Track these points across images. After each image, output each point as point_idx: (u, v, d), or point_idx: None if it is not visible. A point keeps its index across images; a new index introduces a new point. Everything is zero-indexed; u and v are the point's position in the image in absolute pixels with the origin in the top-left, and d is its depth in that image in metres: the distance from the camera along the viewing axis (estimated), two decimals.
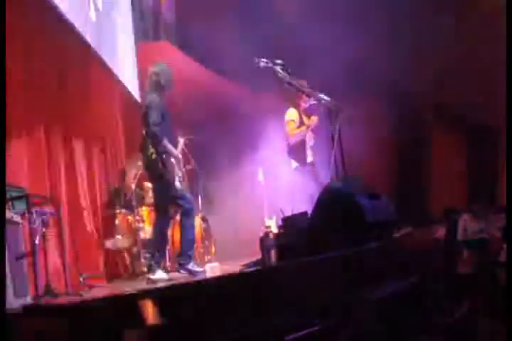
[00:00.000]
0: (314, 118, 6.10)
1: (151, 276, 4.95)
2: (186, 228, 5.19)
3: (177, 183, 5.07)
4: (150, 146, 5.03)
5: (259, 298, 3.30)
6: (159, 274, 4.95)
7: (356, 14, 8.50)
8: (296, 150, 6.20)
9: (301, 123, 6.24)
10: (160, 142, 5.00)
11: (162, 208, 5.25)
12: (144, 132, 5.12)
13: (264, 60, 5.45)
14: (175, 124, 6.24)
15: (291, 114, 6.27)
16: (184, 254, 5.14)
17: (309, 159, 6.23)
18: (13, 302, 3.26)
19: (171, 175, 5.03)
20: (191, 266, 5.08)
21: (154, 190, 5.39)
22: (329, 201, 4.66)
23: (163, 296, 3.06)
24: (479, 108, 11.15)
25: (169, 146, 5.09)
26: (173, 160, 5.09)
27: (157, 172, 5.05)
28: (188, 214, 5.18)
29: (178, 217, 6.53)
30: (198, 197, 6.51)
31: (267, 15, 8.98)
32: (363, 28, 8.33)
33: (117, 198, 6.39)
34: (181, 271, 5.12)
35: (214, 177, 7.01)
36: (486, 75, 8.92)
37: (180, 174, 5.17)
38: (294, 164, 6.20)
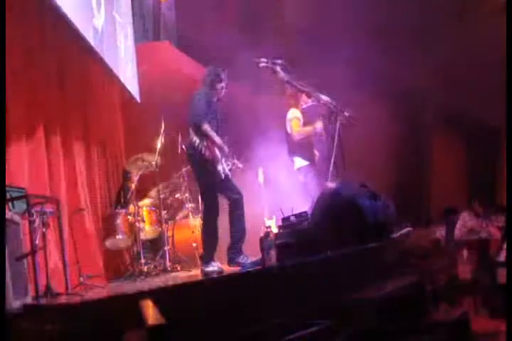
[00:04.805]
0: (320, 123, 6.02)
1: (206, 269, 4.88)
2: (235, 220, 5.06)
3: (222, 172, 4.99)
4: (192, 133, 4.98)
5: (259, 297, 3.30)
6: (213, 266, 4.88)
7: (357, 13, 8.51)
8: (302, 148, 6.15)
9: (305, 123, 6.20)
10: (200, 128, 4.95)
11: (208, 197, 5.14)
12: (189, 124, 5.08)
13: (264, 59, 5.45)
14: (175, 123, 6.27)
15: (294, 112, 6.25)
16: (234, 247, 5.02)
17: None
18: (13, 302, 3.26)
19: (214, 161, 4.98)
20: (241, 259, 4.96)
21: (198, 178, 5.25)
22: (329, 201, 4.67)
23: (163, 296, 3.06)
24: (479, 108, 11.16)
25: (211, 134, 5.02)
26: (216, 150, 5.02)
27: (197, 158, 5.00)
28: (235, 205, 5.05)
29: (178, 217, 6.56)
30: (198, 197, 6.51)
31: (267, 16, 8.99)
32: (362, 28, 8.34)
33: (118, 198, 6.38)
34: (231, 265, 5.03)
35: None
36: (486, 75, 8.93)
37: (226, 165, 5.07)
38: (297, 164, 6.17)
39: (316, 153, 6.14)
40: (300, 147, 6.14)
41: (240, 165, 5.47)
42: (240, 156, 5.59)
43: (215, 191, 5.05)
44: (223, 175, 4.99)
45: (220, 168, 4.98)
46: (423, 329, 3.66)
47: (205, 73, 5.37)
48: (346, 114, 5.41)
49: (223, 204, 5.21)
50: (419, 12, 8.83)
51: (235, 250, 5.00)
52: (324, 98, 5.50)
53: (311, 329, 3.11)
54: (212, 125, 5.07)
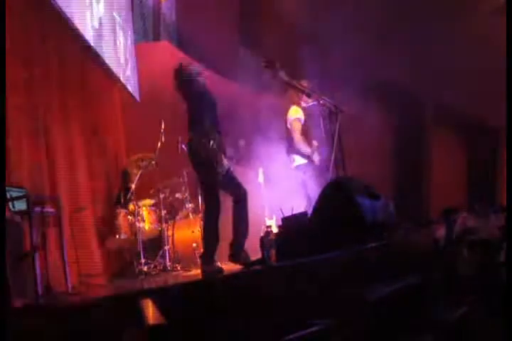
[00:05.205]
0: (317, 156, 6.07)
1: (206, 268, 4.88)
2: (238, 216, 5.02)
3: (224, 170, 4.97)
4: (191, 132, 4.98)
5: (259, 297, 3.30)
6: (213, 266, 4.87)
7: (356, 13, 8.51)
8: (302, 148, 6.15)
9: (305, 124, 6.19)
10: (199, 126, 4.94)
11: (211, 198, 5.13)
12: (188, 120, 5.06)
13: (265, 59, 5.45)
14: (175, 123, 6.27)
15: (295, 110, 6.23)
16: (236, 243, 4.96)
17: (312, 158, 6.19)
18: (13, 302, 3.26)
19: (214, 159, 4.94)
20: (242, 256, 4.87)
21: (200, 177, 5.24)
22: (329, 201, 4.67)
23: (162, 296, 3.06)
24: (479, 108, 11.16)
25: (210, 131, 4.97)
26: (217, 147, 4.99)
27: (198, 156, 4.97)
28: (240, 201, 5.00)
29: (178, 217, 6.55)
30: (198, 197, 6.52)
31: (267, 15, 9.00)
32: (361, 27, 8.34)
33: (118, 198, 6.39)
34: (234, 262, 5.01)
35: None
36: (486, 75, 8.93)
37: (226, 163, 5.04)
38: (296, 162, 6.17)
39: (315, 146, 6.13)
40: (298, 146, 6.14)
41: (242, 143, 5.37)
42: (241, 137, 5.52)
43: (217, 190, 5.04)
44: (225, 173, 4.98)
45: (221, 165, 4.96)
46: (423, 329, 3.66)
47: (180, 74, 5.30)
48: (346, 114, 5.42)
49: (224, 202, 5.20)
50: (419, 11, 8.83)
51: (237, 246, 4.98)
52: (324, 98, 5.51)
53: (311, 329, 3.11)
54: (210, 123, 5.05)
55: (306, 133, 6.18)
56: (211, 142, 4.93)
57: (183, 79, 5.13)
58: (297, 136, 6.10)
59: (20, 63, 4.82)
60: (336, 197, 4.68)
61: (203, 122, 4.94)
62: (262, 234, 4.71)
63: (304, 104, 6.21)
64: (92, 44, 5.66)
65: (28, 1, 5.03)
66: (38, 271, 3.89)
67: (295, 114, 6.18)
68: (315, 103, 5.94)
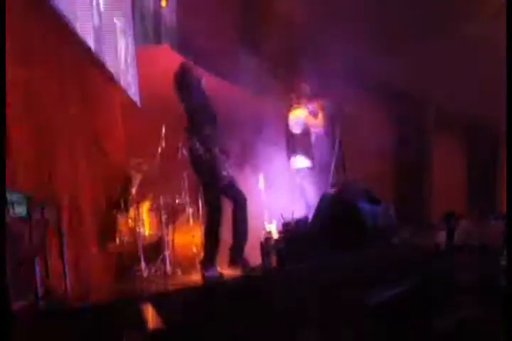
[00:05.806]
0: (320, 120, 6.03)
1: (206, 273, 4.88)
2: (238, 221, 5.03)
3: (226, 176, 4.97)
4: (193, 139, 4.98)
5: (260, 302, 3.30)
6: (213, 271, 4.87)
7: (357, 14, 8.53)
8: (303, 149, 6.14)
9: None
10: (200, 132, 4.95)
11: (212, 202, 5.17)
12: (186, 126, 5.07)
13: (264, 62, 5.46)
14: (176, 127, 6.28)
15: (298, 113, 6.23)
16: (236, 249, 4.98)
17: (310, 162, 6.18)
18: (14, 303, 3.26)
19: (217, 165, 4.94)
20: (242, 261, 4.88)
21: (203, 184, 5.26)
22: (330, 205, 4.67)
23: (162, 301, 3.06)
24: (479, 108, 11.16)
25: (212, 137, 4.97)
26: (219, 154, 5.00)
27: (200, 163, 4.99)
28: (240, 207, 5.04)
29: (178, 221, 6.54)
30: (198, 202, 6.51)
31: (267, 16, 9.02)
32: (363, 28, 8.36)
33: (118, 202, 6.38)
34: (231, 266, 4.98)
35: None
36: (486, 75, 8.95)
37: (228, 167, 5.04)
38: (297, 165, 6.17)
39: (315, 152, 6.13)
40: (300, 148, 6.15)
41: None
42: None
43: (219, 196, 5.04)
44: (227, 179, 4.98)
45: (224, 172, 4.97)
46: (423, 333, 3.65)
47: (180, 78, 5.31)
48: (347, 116, 5.44)
49: (225, 208, 5.20)
50: (421, 12, 8.85)
51: (237, 251, 4.97)
52: (325, 102, 5.53)
53: (311, 331, 3.11)
54: (210, 128, 5.05)
55: (308, 135, 6.19)
56: (212, 150, 4.94)
57: (184, 84, 5.16)
58: (300, 137, 6.10)
59: (21, 63, 4.82)
60: (337, 201, 4.69)
61: (204, 130, 4.94)
62: (261, 239, 4.71)
63: (305, 107, 6.23)
64: (92, 47, 5.66)
65: (28, 1, 5.02)
66: (38, 273, 3.88)
67: (297, 115, 6.20)
68: (315, 105, 5.96)
